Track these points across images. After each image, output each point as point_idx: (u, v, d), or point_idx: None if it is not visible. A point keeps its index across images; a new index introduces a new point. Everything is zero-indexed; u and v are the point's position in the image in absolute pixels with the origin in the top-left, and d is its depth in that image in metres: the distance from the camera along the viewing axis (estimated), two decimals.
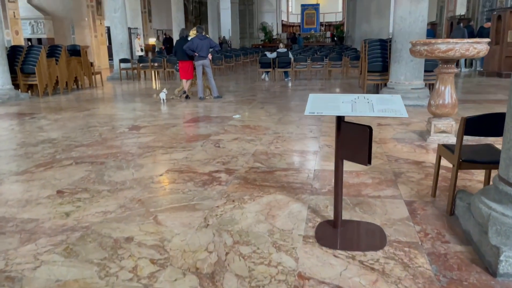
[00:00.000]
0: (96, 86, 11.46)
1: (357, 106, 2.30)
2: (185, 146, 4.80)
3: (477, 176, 3.48)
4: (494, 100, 7.65)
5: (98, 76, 12.00)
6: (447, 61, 4.50)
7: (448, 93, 4.62)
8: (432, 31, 17.33)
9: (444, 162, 3.05)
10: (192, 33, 8.87)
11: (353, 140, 2.33)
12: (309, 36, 36.55)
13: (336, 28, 37.40)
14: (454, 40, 4.23)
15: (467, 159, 2.63)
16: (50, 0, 18.35)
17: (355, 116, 2.27)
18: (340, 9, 43.22)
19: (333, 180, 3.49)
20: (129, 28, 19.27)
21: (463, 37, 11.85)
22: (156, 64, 13.29)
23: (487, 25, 12.34)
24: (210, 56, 8.61)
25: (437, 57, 4.34)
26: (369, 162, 2.30)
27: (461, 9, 19.79)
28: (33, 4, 18.38)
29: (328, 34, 38.33)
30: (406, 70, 7.04)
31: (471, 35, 12.68)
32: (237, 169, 3.88)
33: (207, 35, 9.22)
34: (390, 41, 8.19)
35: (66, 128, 6.00)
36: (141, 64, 13.47)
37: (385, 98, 2.39)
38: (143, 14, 22.76)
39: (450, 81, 4.62)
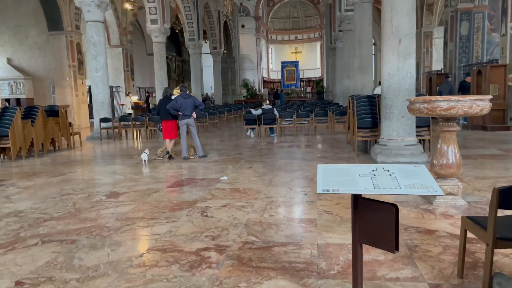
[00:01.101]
0: (75, 147, 10.97)
1: (378, 180, 1.93)
2: (169, 217, 4.31)
3: None
4: (489, 155, 7.47)
5: (77, 137, 11.54)
6: (448, 119, 4.26)
7: (451, 152, 4.34)
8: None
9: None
10: (176, 92, 8.64)
11: (375, 221, 1.93)
12: (290, 91, 37.34)
13: (316, 84, 38.36)
14: (456, 97, 4.01)
15: (505, 237, 2.24)
16: (31, 61, 18.23)
17: (378, 194, 1.88)
18: (318, 65, 44.71)
19: (341, 258, 3.06)
20: (111, 87, 19.15)
21: (451, 91, 12.02)
22: (138, 123, 12.96)
23: (468, 79, 12.60)
24: (194, 115, 8.33)
25: (439, 115, 4.10)
26: (397, 249, 1.89)
27: (437, 65, 20.49)
28: (13, 65, 18.20)
29: (309, 89, 39.28)
30: (398, 126, 6.84)
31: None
32: (229, 245, 3.40)
33: (191, 94, 9.01)
34: (379, 97, 8.09)
35: (36, 197, 5.44)
36: (122, 123, 13.12)
37: (408, 170, 2.03)
38: (126, 73, 22.81)
39: (453, 139, 4.36)
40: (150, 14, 16.87)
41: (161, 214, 4.41)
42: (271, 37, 45.83)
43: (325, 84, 35.20)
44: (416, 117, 7.10)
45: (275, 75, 44.29)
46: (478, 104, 3.96)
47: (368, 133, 7.77)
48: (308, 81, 42.15)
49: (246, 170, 6.84)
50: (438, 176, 4.45)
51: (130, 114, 14.69)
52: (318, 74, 43.41)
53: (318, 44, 44.82)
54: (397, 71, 6.73)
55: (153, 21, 17.00)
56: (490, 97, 4.08)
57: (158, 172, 7.10)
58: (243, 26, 36.23)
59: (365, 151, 8.39)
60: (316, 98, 33.73)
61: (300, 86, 39.91)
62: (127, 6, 17.53)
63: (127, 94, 20.43)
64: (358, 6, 11.73)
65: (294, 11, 46.58)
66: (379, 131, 7.51)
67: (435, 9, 20.17)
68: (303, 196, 5.02)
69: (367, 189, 1.87)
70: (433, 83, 15.11)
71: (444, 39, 16.64)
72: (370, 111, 7.92)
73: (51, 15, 17.17)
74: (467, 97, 3.98)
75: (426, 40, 20.47)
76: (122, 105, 22.18)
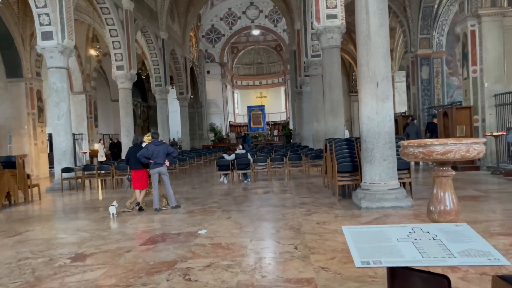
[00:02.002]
0: (33, 201, 10.09)
1: (423, 247, 1.61)
2: (147, 282, 3.78)
3: None
4: (469, 196, 7.41)
5: (35, 189, 10.68)
6: (443, 163, 4.08)
7: (449, 198, 4.14)
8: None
9: None
10: (147, 139, 8.20)
11: None
12: (257, 135, 37.48)
13: (283, 127, 38.77)
14: (452, 140, 3.86)
15: None
16: None
17: (429, 266, 1.55)
18: (283, 109, 45.52)
19: None
20: (74, 134, 18.33)
21: (417, 133, 12.24)
22: (103, 172, 12.26)
23: (435, 120, 12.92)
24: (167, 163, 7.88)
25: (435, 160, 3.91)
26: None
27: (400, 107, 21.19)
28: None
29: (276, 132, 39.60)
30: (380, 170, 6.68)
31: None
32: None
33: (163, 141, 8.58)
34: (357, 140, 7.99)
35: None
36: (86, 173, 12.37)
37: (452, 231, 1.73)
38: (89, 120, 22.07)
39: (449, 184, 4.16)
40: (116, 60, 16.55)
41: (138, 280, 3.86)
42: (236, 82, 46.54)
43: (291, 127, 35.62)
44: (398, 159, 7.00)
45: (242, 119, 44.61)
46: (475, 148, 3.81)
47: (349, 177, 7.57)
48: (274, 124, 42.65)
49: (225, 221, 6.38)
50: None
51: (102, 162, 13.90)
52: (283, 117, 44.09)
53: (282, 88, 45.87)
54: (376, 114, 6.67)
55: (119, 67, 16.66)
56: (484, 140, 3.97)
57: (128, 226, 6.51)
58: (208, 72, 36.62)
59: (344, 196, 8.15)
60: (283, 141, 33.90)
61: (267, 130, 40.26)
62: (92, 52, 17.17)
63: (99, 141, 19.63)
64: (326, 51, 11.95)
65: (258, 57, 47.80)
66: (360, 175, 7.34)
67: (395, 55, 21.09)
68: (293, 250, 4.62)
69: (415, 260, 1.54)
70: (399, 125, 15.47)
71: (406, 82, 17.27)
72: (349, 154, 7.77)
73: (10, 62, 16.50)
74: (463, 141, 3.84)
75: None
76: (85, 153, 21.25)
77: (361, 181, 7.19)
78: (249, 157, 11.50)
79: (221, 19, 39.36)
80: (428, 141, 3.99)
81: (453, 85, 16.94)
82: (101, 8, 15.36)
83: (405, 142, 4.17)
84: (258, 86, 47.46)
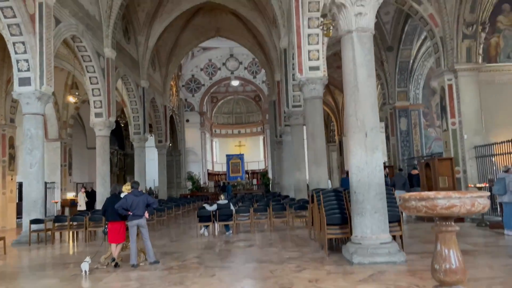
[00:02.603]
0: None
1: None
2: None
3: None
4: (463, 250, 7.18)
5: (0, 242, 9.87)
6: (446, 217, 3.89)
7: (453, 255, 3.89)
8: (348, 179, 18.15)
9: None
10: (126, 189, 7.78)
11: None
12: (236, 183, 37.04)
13: (262, 176, 38.54)
14: (456, 194, 3.69)
15: None
16: None
17: None
18: (262, 158, 45.58)
19: None
20: (45, 183, 17.52)
21: (404, 184, 12.19)
22: (75, 224, 11.55)
23: (414, 172, 12.97)
24: (147, 215, 7.43)
25: (439, 214, 3.72)
26: None
27: None
28: None
29: (255, 181, 39.28)
30: (371, 223, 6.44)
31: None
32: None
33: (143, 191, 8.16)
34: (345, 191, 7.80)
35: None
36: (57, 224, 11.63)
37: None
38: (63, 168, 21.29)
39: (453, 241, 3.93)
40: (94, 107, 16.24)
41: None
42: (215, 131, 46.68)
43: (270, 176, 35.44)
44: (389, 211, 6.81)
45: (220, 167, 44.28)
46: (480, 202, 3.65)
47: (338, 230, 7.29)
48: (253, 173, 42.46)
49: (210, 280, 5.91)
50: (443, 284, 3.93)
51: (82, 211, 13.11)
52: (262, 166, 44.04)
53: (261, 137, 46.21)
54: (365, 165, 6.54)
55: (98, 115, 16.33)
56: (487, 193, 3.82)
57: (102, 285, 5.94)
58: (188, 120, 36.64)
59: (332, 249, 7.80)
60: (263, 190, 33.56)
61: (246, 178, 39.95)
62: (71, 99, 16.85)
63: (80, 189, 18.81)
64: (309, 101, 12.06)
65: (236, 107, 48.44)
66: (350, 227, 7.07)
67: None
68: None
69: None
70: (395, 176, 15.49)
71: (386, 134, 17.55)
72: (338, 206, 7.54)
73: None
74: (468, 194, 3.67)
75: None
76: (56, 202, 20.29)
77: (351, 234, 6.91)
78: (232, 207, 11.10)
79: (201, 69, 40.06)
80: (431, 194, 3.81)
81: (430, 137, 17.34)
82: (82, 55, 15.26)
83: (406, 195, 3.98)
84: (237, 135, 47.71)
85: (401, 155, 16.51)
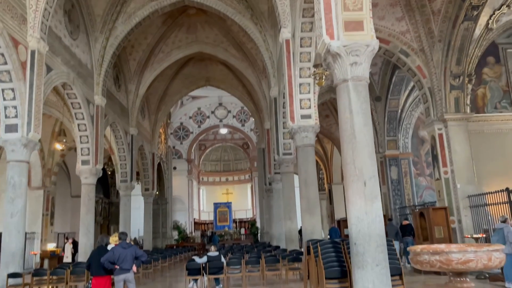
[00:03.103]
0: None
1: None
2: None
3: None
4: None
5: None
6: (460, 273, 3.67)
7: None
8: (337, 229, 17.85)
9: None
10: (113, 241, 7.40)
11: None
12: (223, 233, 36.13)
13: (251, 225, 37.76)
14: (471, 247, 3.51)
15: None
16: None
17: None
18: (249, 206, 44.93)
19: None
20: (25, 233, 16.72)
21: (397, 233, 11.93)
22: (55, 278, 10.85)
23: (405, 222, 12.77)
24: (134, 269, 6.99)
25: (454, 269, 3.51)
26: None
27: None
28: None
29: (243, 230, 38.38)
30: (373, 276, 6.12)
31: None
32: None
33: (131, 242, 7.75)
34: (343, 242, 7.53)
35: None
36: (35, 278, 10.91)
37: None
38: (44, 217, 20.49)
39: None
40: (82, 155, 15.92)
41: None
42: (203, 178, 46.22)
43: (259, 225, 34.71)
44: (390, 263, 6.52)
45: (207, 216, 43.39)
46: (496, 256, 3.46)
47: (337, 285, 6.93)
48: (241, 222, 41.61)
49: None
50: None
51: (69, 263, 12.34)
52: (249, 215, 43.30)
53: (249, 185, 45.82)
54: (365, 215, 6.32)
55: (84, 162, 15.97)
56: (502, 247, 3.64)
57: None
58: (175, 168, 36.25)
59: None
60: (251, 239, 32.74)
61: (233, 227, 39.06)
62: (58, 146, 16.52)
63: (67, 240, 17.96)
64: (301, 149, 11.99)
65: (224, 154, 48.39)
66: (349, 281, 6.74)
67: None
68: None
69: None
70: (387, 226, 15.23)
71: None
72: (337, 258, 7.22)
73: None
74: (484, 247, 3.50)
75: None
76: (35, 254, 19.30)
77: None
78: (223, 259, 10.62)
79: (190, 117, 40.32)
80: (444, 247, 3.62)
81: (421, 186, 17.33)
82: (72, 103, 15.16)
83: (418, 248, 3.78)
84: (225, 182, 47.26)
85: (393, 204, 16.35)
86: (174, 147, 37.44)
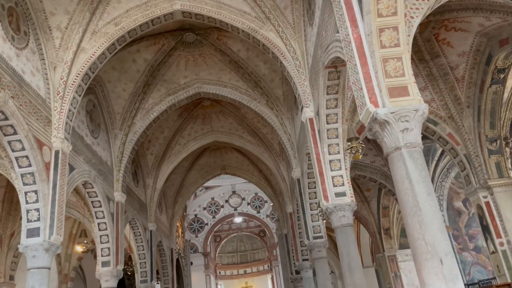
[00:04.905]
0: None
1: None
2: None
3: None
4: None
5: None
6: None
7: None
8: None
9: None
10: None
11: None
12: None
13: None
14: None
15: None
16: None
17: None
18: None
19: None
20: None
21: None
22: None
23: None
24: None
25: None
26: None
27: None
28: None
29: None
30: None
31: None
32: None
33: None
34: None
35: None
36: None
37: None
38: None
39: None
40: (102, 256, 15.06)
41: None
42: (220, 272, 43.99)
43: None
44: None
45: None
46: None
47: None
48: None
49: None
50: None
51: None
52: None
53: (269, 276, 43.42)
54: None
55: (105, 264, 15.05)
56: None
57: None
58: (191, 263, 34.61)
59: None
60: None
61: None
62: (79, 248, 15.75)
63: None
64: (340, 230, 11.16)
65: (241, 244, 46.69)
66: None
67: (392, 233, 20.54)
68: None
69: None
70: None
71: None
72: None
73: None
74: None
75: (391, 264, 20.01)
76: None
77: None
78: None
79: (204, 208, 39.66)
80: None
81: (467, 262, 15.99)
82: (92, 201, 14.74)
83: None
84: (243, 275, 44.88)
85: None
86: (189, 241, 36.21)
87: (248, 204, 39.89)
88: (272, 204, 29.42)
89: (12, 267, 15.21)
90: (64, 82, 11.99)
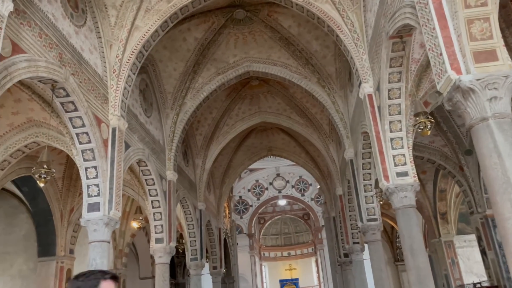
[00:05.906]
0: None
1: None
2: None
3: None
4: None
5: None
6: None
7: None
8: None
9: None
10: None
11: None
12: None
13: None
14: None
15: None
16: None
17: None
18: (315, 282, 41.93)
19: None
20: None
21: None
22: None
23: None
24: None
25: None
26: None
27: (467, 277, 18.60)
28: None
29: None
30: None
31: None
32: None
33: None
34: None
35: None
36: None
37: None
38: None
39: None
40: (155, 232, 15.37)
41: None
42: (264, 254, 44.28)
43: None
44: None
45: None
46: None
47: None
48: None
49: None
50: None
51: None
52: None
53: (313, 259, 43.20)
54: None
55: (158, 240, 15.36)
56: None
57: None
58: (237, 244, 35.02)
59: None
60: None
61: None
62: (134, 224, 16.19)
63: None
64: (401, 212, 10.60)
65: (285, 227, 46.64)
66: None
67: (449, 218, 19.54)
68: None
69: None
70: None
71: (480, 247, 15.30)
72: None
73: (44, 240, 15.46)
74: None
75: (448, 250, 19.10)
76: None
77: None
78: None
79: (249, 190, 39.83)
80: None
81: None
82: (146, 179, 14.98)
83: None
84: (287, 257, 44.92)
85: (504, 273, 13.98)
86: (233, 221, 36.62)
87: (293, 187, 39.63)
88: (318, 186, 28.97)
89: (72, 241, 15.91)
90: (120, 60, 12.06)
